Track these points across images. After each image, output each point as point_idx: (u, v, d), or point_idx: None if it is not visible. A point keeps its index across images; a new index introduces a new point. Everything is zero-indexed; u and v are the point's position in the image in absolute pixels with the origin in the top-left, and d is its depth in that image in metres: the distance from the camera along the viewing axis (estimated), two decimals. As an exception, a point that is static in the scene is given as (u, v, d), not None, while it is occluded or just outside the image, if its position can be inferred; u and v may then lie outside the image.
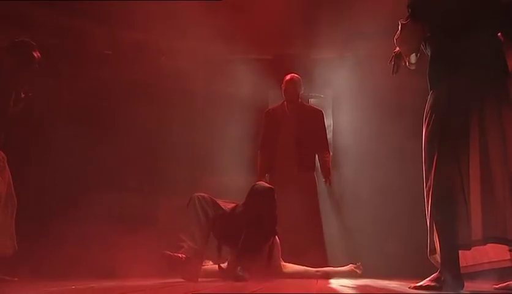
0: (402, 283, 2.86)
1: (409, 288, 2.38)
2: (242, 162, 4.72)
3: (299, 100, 4.41)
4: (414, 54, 2.63)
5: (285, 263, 3.53)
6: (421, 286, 2.34)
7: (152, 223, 4.19)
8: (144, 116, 4.78)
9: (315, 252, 3.79)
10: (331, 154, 4.42)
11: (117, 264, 3.44)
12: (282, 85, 4.40)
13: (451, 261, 2.29)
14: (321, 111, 4.48)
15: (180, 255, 3.02)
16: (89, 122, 4.51)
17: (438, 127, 2.38)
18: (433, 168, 2.34)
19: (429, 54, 2.54)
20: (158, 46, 4.96)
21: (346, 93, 5.18)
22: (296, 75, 4.40)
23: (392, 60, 2.70)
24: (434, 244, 2.36)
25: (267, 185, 3.45)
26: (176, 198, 4.05)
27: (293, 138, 4.29)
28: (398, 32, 2.60)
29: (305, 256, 3.69)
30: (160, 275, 3.28)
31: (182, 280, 3.03)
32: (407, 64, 2.67)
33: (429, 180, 2.36)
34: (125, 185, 4.60)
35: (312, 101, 5.24)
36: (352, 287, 2.58)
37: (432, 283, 2.31)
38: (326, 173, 4.22)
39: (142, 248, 3.52)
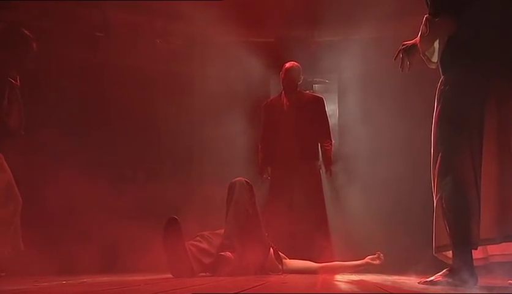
0: (411, 278, 2.86)
1: (418, 283, 2.39)
2: (241, 150, 4.72)
3: (298, 89, 4.40)
4: (435, 52, 2.52)
5: (287, 260, 3.54)
6: (431, 281, 2.34)
7: (147, 214, 4.20)
8: (137, 101, 4.77)
9: (319, 245, 3.80)
10: (333, 142, 4.41)
11: (112, 258, 3.46)
12: (280, 73, 4.39)
13: (464, 257, 2.29)
14: (322, 98, 4.48)
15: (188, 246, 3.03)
16: (78, 107, 4.50)
17: (450, 114, 2.35)
18: (443, 158, 2.33)
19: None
20: (153, 28, 4.93)
21: (352, 78, 5.16)
22: (294, 63, 4.38)
23: (400, 55, 2.55)
24: (442, 240, 2.36)
25: (241, 179, 3.36)
26: (171, 188, 4.06)
27: (293, 129, 4.30)
28: (423, 28, 2.46)
29: (310, 250, 3.70)
30: (157, 270, 3.29)
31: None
32: (427, 63, 2.57)
33: (438, 171, 2.35)
34: (118, 174, 4.60)
35: (316, 86, 5.23)
36: (355, 284, 2.58)
37: (444, 279, 2.31)
38: (327, 163, 4.24)
39: (138, 241, 3.53)
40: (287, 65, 4.36)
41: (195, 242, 3.15)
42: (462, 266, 2.28)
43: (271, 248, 3.41)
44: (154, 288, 2.18)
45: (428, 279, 2.36)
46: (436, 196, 2.39)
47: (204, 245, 3.13)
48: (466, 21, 2.38)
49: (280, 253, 3.51)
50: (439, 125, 2.39)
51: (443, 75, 2.47)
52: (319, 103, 4.41)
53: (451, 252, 2.37)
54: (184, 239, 2.98)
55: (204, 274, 3.15)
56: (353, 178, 4.86)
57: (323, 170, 4.33)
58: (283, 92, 4.41)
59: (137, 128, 4.80)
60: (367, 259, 3.59)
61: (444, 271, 2.34)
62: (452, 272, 2.31)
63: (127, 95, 4.67)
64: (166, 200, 4.28)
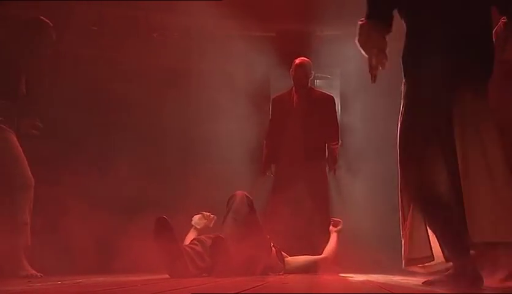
0: (415, 278, 2.86)
1: (422, 283, 2.38)
2: (241, 148, 4.70)
3: (309, 85, 4.39)
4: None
5: (288, 258, 3.54)
6: (435, 281, 2.34)
7: (145, 213, 4.18)
8: (133, 97, 4.74)
9: (324, 245, 3.79)
10: (340, 142, 4.41)
11: (110, 258, 3.44)
12: (291, 70, 4.38)
13: (462, 261, 2.26)
14: (332, 96, 4.47)
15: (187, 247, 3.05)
16: (72, 104, 4.48)
17: (416, 119, 2.32)
18: (412, 166, 2.31)
19: (405, 32, 2.45)
20: (149, 21, 4.90)
21: (354, 73, 5.13)
22: (305, 59, 4.39)
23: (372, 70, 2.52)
24: (412, 253, 2.33)
25: (242, 192, 3.36)
26: (169, 186, 4.05)
27: (301, 126, 4.30)
28: (359, 34, 2.47)
29: (314, 250, 3.70)
30: (155, 270, 3.29)
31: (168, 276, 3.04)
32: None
33: (408, 180, 2.32)
34: (114, 171, 4.58)
35: (317, 82, 5.21)
36: (358, 285, 2.58)
37: (448, 279, 2.30)
38: (332, 162, 4.26)
39: (135, 240, 3.52)
40: (298, 61, 4.35)
41: (191, 245, 3.17)
42: (464, 267, 2.26)
43: (273, 248, 3.41)
44: (151, 289, 2.17)
45: (432, 279, 2.36)
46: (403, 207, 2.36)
47: (199, 248, 3.13)
48: (429, 12, 2.35)
49: (282, 252, 3.51)
50: (404, 133, 2.37)
51: (405, 76, 2.45)
52: (329, 101, 4.39)
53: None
54: (176, 237, 2.99)
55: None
56: (356, 175, 4.85)
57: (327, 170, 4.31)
58: (293, 88, 4.39)
59: (133, 124, 4.78)
60: (333, 230, 3.78)
61: (449, 271, 2.33)
62: (456, 272, 2.29)
63: (122, 91, 4.64)
64: (165, 199, 4.27)
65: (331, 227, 3.87)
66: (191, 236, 3.47)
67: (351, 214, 4.44)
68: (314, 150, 4.29)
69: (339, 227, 3.86)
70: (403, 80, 2.45)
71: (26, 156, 3.34)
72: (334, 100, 4.44)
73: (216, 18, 4.68)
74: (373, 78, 2.48)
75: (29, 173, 3.32)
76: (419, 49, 2.37)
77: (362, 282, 2.70)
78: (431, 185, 2.27)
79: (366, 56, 2.48)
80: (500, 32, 2.42)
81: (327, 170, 4.33)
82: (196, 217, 3.60)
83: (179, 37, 4.93)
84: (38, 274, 3.15)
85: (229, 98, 4.83)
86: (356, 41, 2.50)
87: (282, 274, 3.37)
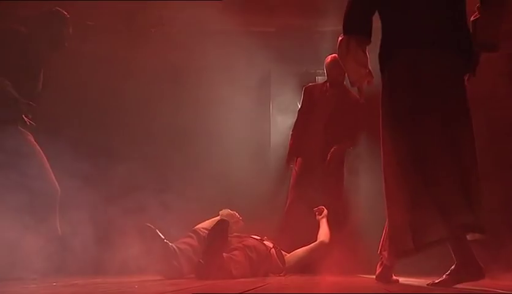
0: (421, 280, 2.84)
1: (427, 285, 2.38)
2: (242, 145, 4.67)
3: (344, 83, 4.33)
4: None
5: (287, 256, 3.53)
6: (439, 283, 2.33)
7: (142, 214, 4.16)
8: (131, 93, 4.70)
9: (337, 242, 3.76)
10: (352, 148, 4.34)
11: (109, 259, 3.42)
12: (325, 65, 4.33)
13: (461, 249, 2.28)
14: (363, 104, 4.27)
15: (175, 247, 3.01)
16: (68, 102, 4.45)
17: (393, 110, 2.37)
18: (393, 157, 2.36)
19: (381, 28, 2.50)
20: (147, 16, 4.87)
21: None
22: None
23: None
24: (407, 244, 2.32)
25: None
26: (168, 188, 4.02)
27: (326, 124, 4.25)
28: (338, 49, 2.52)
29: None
30: (152, 272, 3.27)
31: (163, 277, 3.02)
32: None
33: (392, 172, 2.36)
34: (113, 171, 4.55)
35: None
36: (359, 285, 2.59)
37: (450, 278, 2.31)
38: (331, 160, 4.19)
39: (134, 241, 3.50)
40: (333, 57, 4.22)
41: (187, 240, 3.14)
42: (464, 261, 2.27)
43: (273, 249, 3.39)
44: (149, 291, 2.15)
45: (436, 281, 2.35)
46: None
47: (194, 242, 3.11)
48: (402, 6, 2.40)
49: (282, 251, 3.49)
50: (386, 124, 2.41)
51: (381, 70, 2.49)
52: (359, 107, 4.19)
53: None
54: (165, 243, 2.96)
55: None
56: (362, 170, 4.81)
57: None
58: (327, 83, 4.35)
59: (130, 121, 4.74)
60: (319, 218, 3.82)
61: (449, 270, 2.33)
62: (456, 270, 2.30)
63: (120, 87, 4.61)
64: (165, 198, 4.23)
65: (317, 216, 3.88)
66: (207, 224, 3.40)
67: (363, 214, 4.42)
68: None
69: (324, 213, 3.87)
70: (382, 73, 2.49)
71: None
72: (364, 107, 4.15)
73: (215, 13, 4.65)
74: (361, 95, 2.60)
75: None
76: (394, 41, 2.42)
77: (364, 282, 2.68)
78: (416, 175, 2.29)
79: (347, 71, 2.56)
80: (475, 20, 2.44)
81: (344, 171, 4.29)
82: (225, 211, 3.54)
83: (177, 32, 4.88)
84: (33, 276, 3.11)
85: (228, 95, 4.80)
86: (339, 59, 2.59)
87: (283, 275, 3.35)
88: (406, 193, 2.30)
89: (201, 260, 2.85)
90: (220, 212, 3.53)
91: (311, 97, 4.39)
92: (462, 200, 2.24)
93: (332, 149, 4.22)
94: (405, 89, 2.36)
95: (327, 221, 3.84)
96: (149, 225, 2.97)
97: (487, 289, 2.22)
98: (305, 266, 3.64)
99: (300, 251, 3.61)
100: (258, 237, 3.42)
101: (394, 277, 2.65)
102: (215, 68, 4.95)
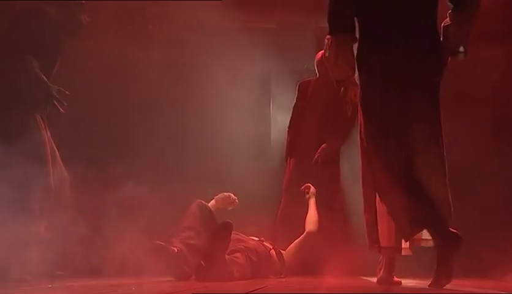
0: (421, 281, 2.83)
1: (428, 286, 2.38)
2: (242, 143, 4.64)
3: None
4: None
5: (284, 252, 3.51)
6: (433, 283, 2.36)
7: (140, 213, 4.13)
8: (128, 91, 4.68)
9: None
10: (340, 146, 4.23)
11: (104, 260, 3.39)
12: (315, 62, 4.27)
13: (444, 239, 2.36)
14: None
15: (174, 248, 2.99)
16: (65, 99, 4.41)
17: (371, 110, 2.50)
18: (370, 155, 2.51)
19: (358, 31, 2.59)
20: (145, 12, 4.84)
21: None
22: None
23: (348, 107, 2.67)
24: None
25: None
26: (167, 186, 4.00)
27: (317, 122, 4.19)
28: (326, 50, 2.60)
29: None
30: (150, 272, 3.24)
31: (171, 278, 3.01)
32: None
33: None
34: (110, 170, 4.52)
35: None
36: (360, 287, 2.58)
37: (442, 276, 2.34)
38: (320, 157, 4.14)
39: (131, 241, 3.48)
40: (320, 52, 4.17)
41: (185, 240, 3.10)
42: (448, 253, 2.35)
43: (273, 250, 3.37)
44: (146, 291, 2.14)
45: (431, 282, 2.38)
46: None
47: (194, 241, 3.09)
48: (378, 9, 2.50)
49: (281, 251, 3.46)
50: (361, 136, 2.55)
51: (359, 71, 2.58)
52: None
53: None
54: (178, 256, 2.95)
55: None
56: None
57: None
58: (319, 79, 4.29)
59: (126, 119, 4.71)
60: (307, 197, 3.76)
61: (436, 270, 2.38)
62: (440, 265, 2.35)
63: (116, 85, 4.58)
64: (164, 198, 4.21)
65: (306, 196, 3.82)
66: (211, 203, 3.42)
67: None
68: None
69: (311, 191, 3.80)
70: (359, 75, 2.60)
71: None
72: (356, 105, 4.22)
73: (214, 9, 4.62)
74: (348, 109, 2.67)
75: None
76: (370, 44, 2.52)
77: (365, 284, 2.67)
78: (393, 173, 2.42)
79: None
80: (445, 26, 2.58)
81: (340, 172, 4.21)
82: (221, 195, 3.52)
83: (175, 29, 4.85)
84: (28, 277, 3.08)
85: (228, 92, 4.77)
86: (324, 59, 2.68)
87: (283, 277, 3.33)
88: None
89: (202, 262, 2.83)
90: (215, 197, 3.49)
91: (305, 92, 4.33)
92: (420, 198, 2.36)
93: (320, 148, 4.16)
94: (377, 89, 2.48)
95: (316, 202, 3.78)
96: (159, 242, 2.94)
97: (492, 291, 2.20)
98: (305, 266, 3.60)
99: (291, 247, 3.57)
100: (258, 239, 3.39)
101: (397, 279, 2.63)
102: (214, 65, 4.93)
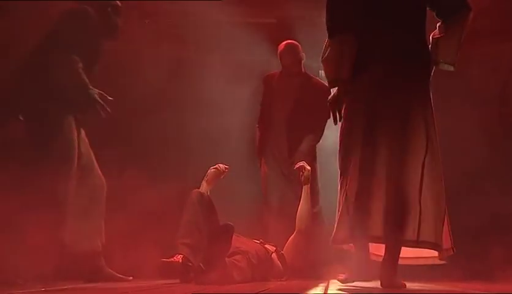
0: (425, 284, 2.80)
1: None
2: (242, 144, 4.59)
3: (303, 70, 4.19)
4: None
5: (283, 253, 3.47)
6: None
7: (138, 215, 4.10)
8: (124, 89, 4.62)
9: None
10: (316, 142, 4.13)
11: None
12: (278, 53, 4.19)
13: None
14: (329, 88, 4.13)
15: (176, 259, 2.97)
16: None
17: (352, 123, 2.54)
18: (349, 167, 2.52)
19: None
20: (141, 7, 4.79)
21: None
22: (291, 42, 4.17)
23: (336, 115, 2.66)
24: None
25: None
26: (165, 187, 3.97)
27: (287, 119, 4.08)
28: (324, 52, 2.62)
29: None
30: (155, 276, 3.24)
31: (176, 280, 3.01)
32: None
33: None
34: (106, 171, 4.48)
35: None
36: (362, 290, 2.57)
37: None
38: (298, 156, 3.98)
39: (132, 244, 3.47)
40: (282, 45, 4.14)
41: (187, 240, 3.07)
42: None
43: (275, 253, 3.33)
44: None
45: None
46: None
47: (195, 238, 3.06)
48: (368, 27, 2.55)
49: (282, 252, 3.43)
50: (346, 133, 2.58)
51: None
52: (323, 94, 4.08)
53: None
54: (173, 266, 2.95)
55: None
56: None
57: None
58: (283, 72, 4.19)
59: (123, 118, 4.66)
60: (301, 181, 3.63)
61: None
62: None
63: (114, 81, 4.52)
64: (163, 198, 4.18)
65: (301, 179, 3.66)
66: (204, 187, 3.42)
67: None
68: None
69: (305, 174, 3.61)
70: None
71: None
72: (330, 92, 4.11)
73: (213, 3, 4.58)
74: (335, 119, 2.65)
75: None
76: (361, 55, 2.54)
77: (367, 289, 2.64)
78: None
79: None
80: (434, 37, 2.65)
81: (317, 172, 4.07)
82: (211, 172, 3.51)
83: (173, 24, 4.81)
84: (20, 281, 3.05)
85: (227, 88, 4.72)
86: (322, 62, 2.65)
87: (284, 280, 3.29)
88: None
89: (201, 265, 2.79)
90: (205, 179, 3.46)
91: (270, 86, 4.20)
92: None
93: (296, 152, 4.02)
94: (363, 100, 2.52)
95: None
96: (163, 260, 2.95)
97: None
98: (306, 267, 3.55)
99: (287, 247, 3.50)
100: (259, 241, 3.35)
101: (401, 282, 2.60)
102: (213, 61, 4.88)
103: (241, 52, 4.86)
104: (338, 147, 2.62)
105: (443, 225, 2.46)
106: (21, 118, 3.15)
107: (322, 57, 2.64)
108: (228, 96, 4.69)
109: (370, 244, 2.59)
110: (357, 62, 2.54)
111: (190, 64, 4.96)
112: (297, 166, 3.69)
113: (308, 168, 3.64)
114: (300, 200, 3.61)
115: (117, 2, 3.42)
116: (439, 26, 2.62)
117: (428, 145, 2.45)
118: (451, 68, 2.62)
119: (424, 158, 2.44)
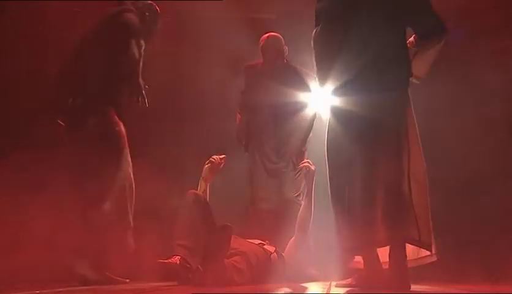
0: (431, 287, 2.78)
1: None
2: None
3: (285, 60, 4.10)
4: None
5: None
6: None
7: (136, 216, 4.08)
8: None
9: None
10: (299, 148, 4.06)
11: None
12: (260, 47, 4.13)
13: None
14: (311, 75, 3.93)
15: (173, 260, 2.93)
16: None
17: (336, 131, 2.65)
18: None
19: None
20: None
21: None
22: (273, 34, 4.13)
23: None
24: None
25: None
26: (163, 185, 3.96)
27: (272, 112, 4.01)
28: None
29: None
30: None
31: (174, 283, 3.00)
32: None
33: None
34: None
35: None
36: (363, 291, 2.57)
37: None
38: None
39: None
40: (263, 39, 4.09)
41: (185, 241, 3.04)
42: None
43: (275, 254, 3.30)
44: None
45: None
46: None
47: (193, 240, 3.03)
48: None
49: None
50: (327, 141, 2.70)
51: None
52: (302, 80, 3.97)
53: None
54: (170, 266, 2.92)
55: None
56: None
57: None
58: (265, 64, 4.12)
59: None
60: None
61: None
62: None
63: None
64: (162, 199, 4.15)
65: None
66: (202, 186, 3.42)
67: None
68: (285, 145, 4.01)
69: (311, 173, 3.57)
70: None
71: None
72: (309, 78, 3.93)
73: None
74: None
75: None
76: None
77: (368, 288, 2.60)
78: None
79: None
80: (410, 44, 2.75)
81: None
82: (206, 167, 3.52)
83: (173, 19, 4.77)
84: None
85: (226, 85, 4.67)
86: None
87: (284, 282, 3.26)
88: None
89: (199, 266, 2.76)
90: (202, 176, 3.46)
91: (252, 77, 4.15)
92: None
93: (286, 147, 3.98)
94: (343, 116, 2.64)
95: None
96: (160, 261, 2.93)
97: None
98: (309, 269, 3.53)
99: (287, 250, 3.45)
100: (258, 242, 3.32)
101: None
102: (212, 57, 4.84)
103: (240, 47, 4.83)
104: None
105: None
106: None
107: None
108: (227, 92, 4.65)
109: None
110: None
111: (190, 60, 4.94)
112: (301, 165, 3.65)
113: (313, 168, 3.58)
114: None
115: (157, 8, 3.53)
116: (414, 37, 2.72)
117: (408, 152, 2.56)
118: (417, 82, 2.71)
119: (408, 164, 2.54)
